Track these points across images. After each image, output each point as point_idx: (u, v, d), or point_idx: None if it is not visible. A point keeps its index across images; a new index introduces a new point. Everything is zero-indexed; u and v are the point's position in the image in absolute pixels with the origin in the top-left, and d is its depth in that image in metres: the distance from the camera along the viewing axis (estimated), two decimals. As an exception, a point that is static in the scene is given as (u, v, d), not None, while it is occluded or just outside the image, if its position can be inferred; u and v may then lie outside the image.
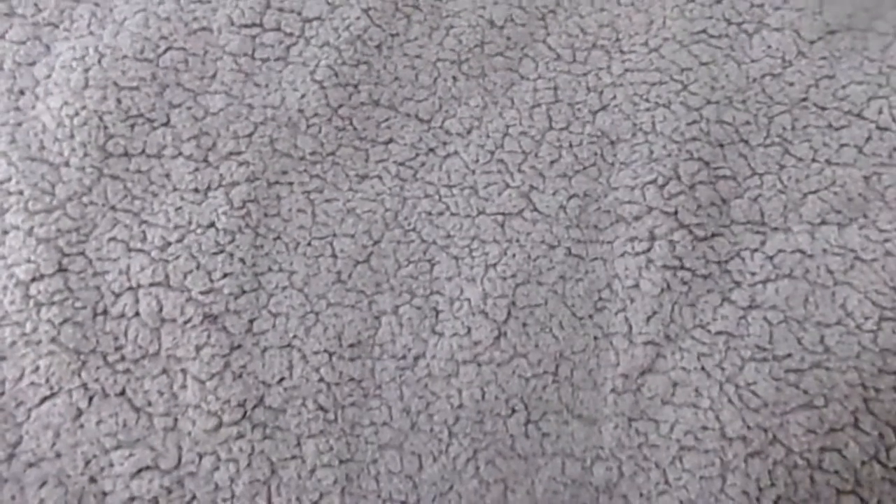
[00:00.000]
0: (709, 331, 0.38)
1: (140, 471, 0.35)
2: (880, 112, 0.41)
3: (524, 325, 0.38)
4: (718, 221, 0.40)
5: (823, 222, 0.39)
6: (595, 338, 0.38)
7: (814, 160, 0.40)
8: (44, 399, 0.36)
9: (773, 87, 0.42)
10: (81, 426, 0.35)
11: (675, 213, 0.40)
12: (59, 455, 0.35)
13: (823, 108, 0.41)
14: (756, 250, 0.39)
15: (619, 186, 0.40)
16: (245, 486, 0.35)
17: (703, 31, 0.43)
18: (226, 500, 0.35)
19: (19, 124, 0.40)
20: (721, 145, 0.41)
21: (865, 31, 0.43)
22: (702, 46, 0.43)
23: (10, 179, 0.39)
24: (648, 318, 0.38)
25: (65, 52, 0.41)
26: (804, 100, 0.41)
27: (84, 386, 0.36)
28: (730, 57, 0.43)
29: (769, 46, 0.43)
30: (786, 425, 0.36)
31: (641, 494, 0.36)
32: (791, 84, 0.42)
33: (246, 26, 0.42)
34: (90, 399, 0.36)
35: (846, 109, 0.41)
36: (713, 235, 0.39)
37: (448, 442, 0.36)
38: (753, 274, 0.38)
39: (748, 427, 0.36)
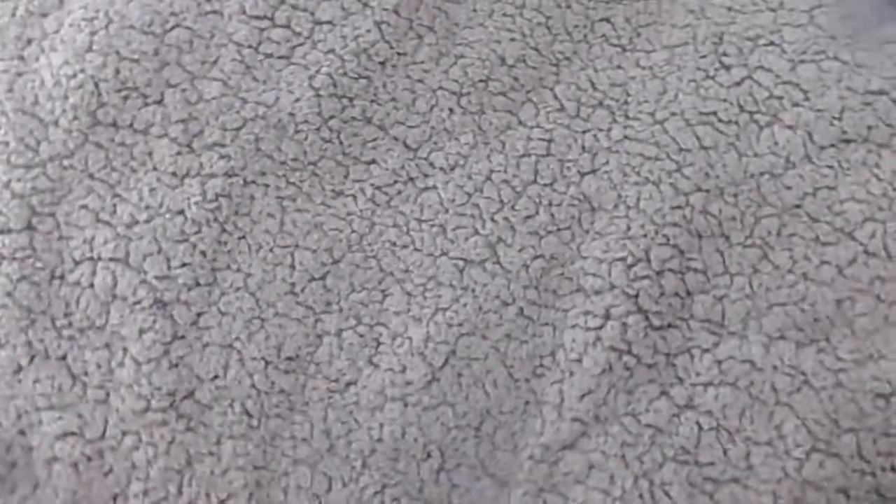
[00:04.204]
0: (638, 421, 0.37)
1: (65, 434, 0.37)
2: (873, 236, 0.39)
3: (459, 375, 0.38)
4: (677, 313, 0.39)
5: (782, 337, 0.38)
6: (526, 402, 0.38)
7: (790, 271, 0.39)
8: (-11, 348, 0.37)
9: (768, 187, 0.40)
10: (19, 381, 0.37)
11: (636, 296, 0.39)
12: (-6, 403, 0.37)
13: (815, 220, 0.40)
14: (707, 351, 0.38)
15: (588, 256, 0.40)
16: (160, 471, 0.37)
17: (714, 112, 0.42)
18: (140, 480, 0.37)
19: (20, 74, 0.41)
20: (700, 236, 0.40)
21: (882, 146, 0.41)
22: (707, 129, 0.42)
23: (-1, 128, 0.40)
24: (582, 396, 0.38)
25: (76, 10, 0.42)
26: (797, 207, 0.40)
27: (28, 344, 0.37)
28: (733, 146, 0.41)
29: (776, 143, 0.41)
30: (689, 533, 0.36)
31: (534, 564, 0.36)
32: (788, 188, 0.40)
33: (257, 17, 0.42)
34: (32, 358, 0.37)
35: (838, 226, 0.40)
36: (668, 326, 0.39)
37: (360, 471, 0.37)
38: (698, 374, 0.38)
39: (651, 526, 0.36)
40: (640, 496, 0.36)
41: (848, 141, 0.41)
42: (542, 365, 0.39)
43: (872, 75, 0.42)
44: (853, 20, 0.45)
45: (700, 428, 0.37)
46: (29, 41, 0.41)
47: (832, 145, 0.41)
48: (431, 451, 0.37)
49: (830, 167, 0.41)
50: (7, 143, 0.39)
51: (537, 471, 0.37)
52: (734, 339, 0.38)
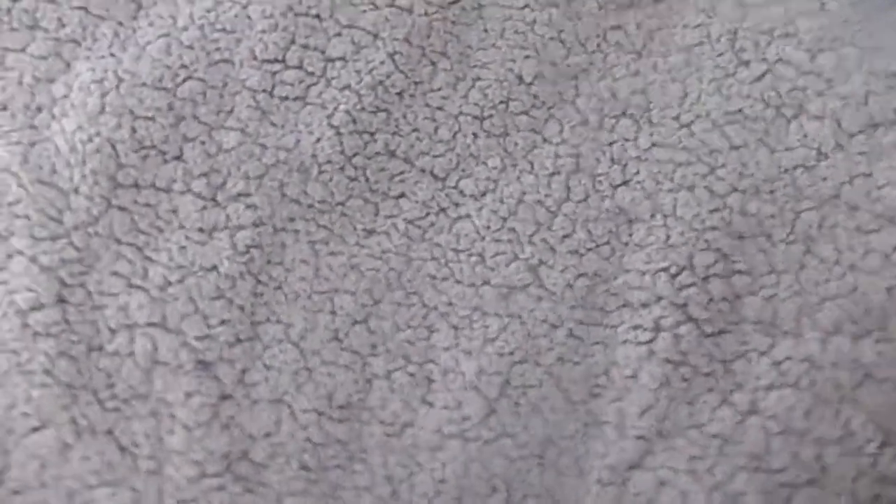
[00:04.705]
0: (703, 432, 0.37)
1: (121, 510, 0.36)
2: (914, 219, 0.39)
3: (516, 404, 0.37)
4: (728, 318, 0.38)
5: (838, 332, 0.38)
6: (586, 425, 0.37)
7: (837, 263, 0.39)
8: (33, 430, 0.36)
9: (804, 180, 0.40)
10: (67, 461, 0.36)
11: (685, 305, 0.38)
12: (44, 485, 0.36)
13: (855, 209, 0.39)
14: (764, 353, 0.38)
15: (631, 270, 0.39)
16: (222, 537, 0.36)
17: (739, 110, 0.41)
18: (202, 548, 0.36)
19: (33, 144, 0.40)
20: (741, 237, 0.39)
21: (911, 127, 0.41)
22: (735, 128, 0.41)
23: (19, 202, 0.39)
24: (643, 412, 0.37)
25: (84, 73, 0.41)
26: (835, 197, 0.40)
27: (73, 421, 0.36)
28: (763, 143, 0.41)
29: (806, 135, 0.41)
30: (770, 542, 0.35)
31: (614, 590, 0.36)
32: (824, 179, 0.40)
33: (268, 61, 0.41)
34: (78, 434, 0.36)
35: (879, 212, 0.39)
36: (721, 332, 0.38)
37: (427, 515, 0.36)
38: (757, 378, 0.37)
39: (731, 539, 0.35)
40: (716, 510, 0.35)
41: (876, 125, 0.41)
42: (597, 385, 0.38)
43: (892, 57, 0.42)
44: (865, 4, 0.44)
45: (767, 433, 0.36)
46: (39, 109, 0.40)
47: (861, 131, 0.41)
48: (497, 486, 0.36)
49: (863, 153, 0.40)
50: (28, 217, 0.38)
51: (606, 494, 0.36)
52: (789, 338, 0.38)
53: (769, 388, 0.37)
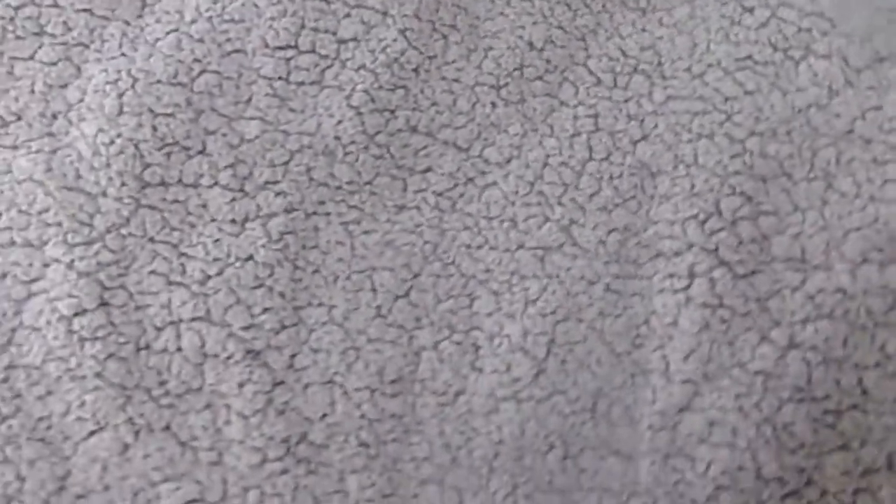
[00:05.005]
0: (747, 370, 0.38)
1: (187, 503, 0.36)
2: (927, 146, 0.40)
3: (563, 362, 0.38)
4: (759, 258, 0.39)
5: (865, 261, 0.39)
6: (633, 375, 0.38)
7: (857, 196, 0.40)
8: (90, 433, 0.36)
9: (818, 119, 0.41)
10: (128, 460, 0.36)
11: (716, 249, 0.39)
12: (107, 488, 0.36)
13: (869, 141, 0.41)
14: (797, 289, 0.39)
15: (660, 220, 0.40)
16: (289, 520, 0.36)
17: (749, 56, 0.42)
18: (271, 533, 0.36)
19: (54, 151, 0.39)
20: (764, 180, 0.40)
21: (914, 58, 0.42)
22: (747, 74, 0.42)
23: (48, 210, 0.38)
24: (686, 357, 0.38)
25: (97, 75, 0.40)
26: (850, 132, 0.41)
27: (130, 421, 0.36)
28: (775, 86, 0.42)
29: (815, 75, 0.42)
30: (822, 467, 0.36)
31: (676, 530, 0.37)
32: (837, 115, 0.41)
33: (280, 48, 0.41)
34: (136, 434, 0.36)
35: (893, 143, 0.40)
36: (753, 272, 0.39)
37: (488, 477, 0.37)
38: (793, 313, 0.38)
39: (784, 468, 0.36)
40: (767, 442, 0.37)
41: (882, 60, 0.42)
42: (639, 335, 0.39)
43: (890, -8, 0.43)
44: (858, -58, 0.45)
45: (808, 364, 0.37)
46: (54, 116, 0.40)
47: (868, 67, 0.42)
48: (553, 442, 0.37)
49: (872, 88, 0.41)
50: (60, 224, 0.38)
51: (659, 439, 0.37)
52: (819, 272, 0.39)
53: (805, 322, 0.38)
